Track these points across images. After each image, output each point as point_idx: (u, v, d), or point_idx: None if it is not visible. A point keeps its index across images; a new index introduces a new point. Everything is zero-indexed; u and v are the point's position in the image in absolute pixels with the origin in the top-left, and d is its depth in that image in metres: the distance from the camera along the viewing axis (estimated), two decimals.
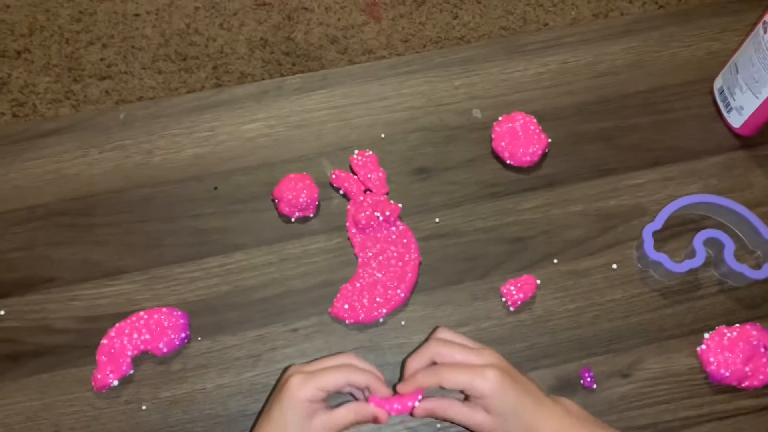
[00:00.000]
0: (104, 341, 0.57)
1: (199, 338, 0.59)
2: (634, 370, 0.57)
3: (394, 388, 0.50)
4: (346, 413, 0.48)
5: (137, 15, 1.56)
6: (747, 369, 0.55)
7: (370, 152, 0.66)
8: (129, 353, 0.57)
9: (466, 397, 0.50)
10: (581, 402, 0.52)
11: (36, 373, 0.57)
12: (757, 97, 0.63)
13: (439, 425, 0.55)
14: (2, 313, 0.59)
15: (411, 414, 0.50)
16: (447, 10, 1.58)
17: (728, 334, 0.57)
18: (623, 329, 0.59)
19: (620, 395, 0.56)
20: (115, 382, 0.56)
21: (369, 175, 0.64)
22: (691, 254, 0.60)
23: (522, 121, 0.66)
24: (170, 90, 1.47)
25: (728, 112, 0.67)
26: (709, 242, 0.60)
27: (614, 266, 0.61)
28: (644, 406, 0.56)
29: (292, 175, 0.63)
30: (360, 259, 0.61)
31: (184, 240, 0.63)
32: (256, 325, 0.59)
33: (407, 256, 0.61)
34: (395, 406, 0.49)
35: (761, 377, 0.55)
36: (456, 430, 0.54)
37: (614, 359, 0.58)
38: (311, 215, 0.64)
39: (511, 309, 0.60)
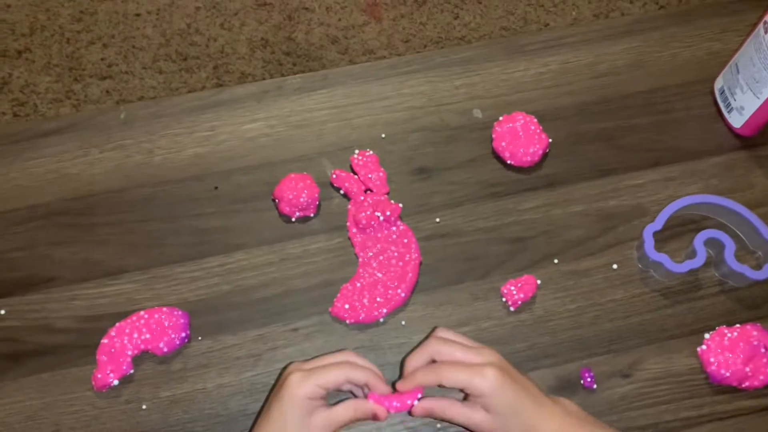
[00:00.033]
0: (105, 341, 0.57)
1: (200, 338, 0.59)
2: (635, 370, 0.57)
3: (394, 387, 0.50)
4: (345, 410, 0.48)
5: (138, 15, 1.56)
6: (747, 369, 0.55)
7: (371, 152, 0.66)
8: (129, 353, 0.57)
9: (466, 397, 0.50)
10: (582, 402, 0.52)
11: (36, 372, 0.57)
12: (758, 98, 0.63)
13: (439, 425, 0.55)
14: (3, 312, 0.60)
15: (410, 413, 0.50)
16: (448, 10, 1.58)
17: (729, 335, 0.57)
18: (624, 329, 0.59)
19: (621, 395, 0.56)
20: (116, 382, 0.56)
21: (369, 175, 0.64)
22: (692, 254, 0.60)
23: (523, 121, 0.66)
24: (171, 90, 1.47)
25: (729, 112, 0.67)
26: (710, 242, 0.60)
27: (615, 266, 0.61)
28: (645, 406, 0.56)
29: (292, 175, 0.63)
30: (360, 259, 0.61)
31: (184, 239, 0.63)
32: (257, 324, 0.59)
33: (408, 255, 0.61)
34: (394, 403, 0.49)
35: (762, 377, 0.55)
36: (456, 430, 0.54)
37: (615, 359, 0.58)
38: (312, 215, 0.64)
39: (512, 309, 0.60)
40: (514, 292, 0.59)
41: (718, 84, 0.69)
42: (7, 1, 1.56)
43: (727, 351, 0.56)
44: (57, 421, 0.56)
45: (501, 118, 0.67)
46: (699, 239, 0.59)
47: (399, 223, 0.62)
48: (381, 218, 0.61)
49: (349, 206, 0.64)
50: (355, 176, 0.65)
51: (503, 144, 0.65)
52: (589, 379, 0.56)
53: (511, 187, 0.65)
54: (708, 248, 0.60)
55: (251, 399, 0.56)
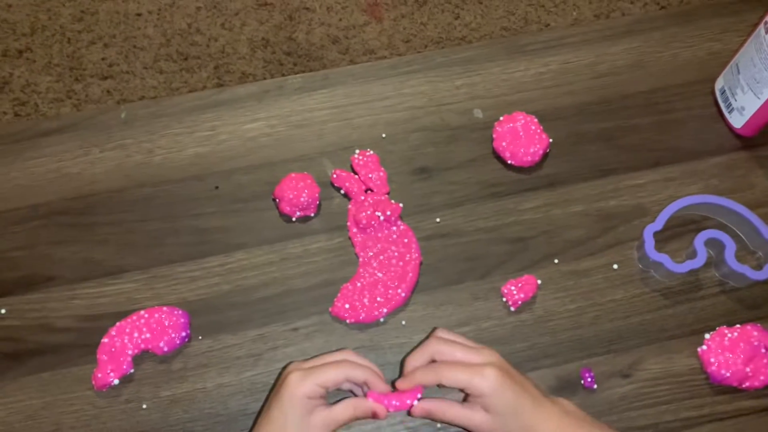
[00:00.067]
0: (105, 340, 0.57)
1: (200, 337, 0.59)
2: (635, 370, 0.57)
3: (393, 386, 0.50)
4: (345, 409, 0.49)
5: (139, 15, 1.56)
6: (748, 370, 0.55)
7: (371, 152, 0.66)
8: (130, 352, 0.57)
9: (465, 397, 0.50)
10: (582, 402, 0.52)
11: (37, 371, 0.57)
12: (759, 98, 0.63)
13: (439, 425, 0.55)
14: (3, 311, 0.60)
15: (409, 414, 0.50)
16: (448, 10, 1.58)
17: (729, 335, 0.57)
18: (624, 329, 0.59)
19: (621, 395, 0.56)
20: (116, 381, 0.56)
21: (370, 175, 0.64)
22: (692, 255, 0.60)
23: (523, 121, 0.66)
24: (172, 89, 1.47)
25: (729, 112, 0.67)
26: (710, 243, 0.60)
27: (615, 266, 0.61)
28: (645, 406, 0.56)
29: (293, 175, 0.64)
30: (361, 259, 0.61)
31: (185, 239, 0.63)
32: (257, 324, 0.59)
33: (408, 255, 0.61)
34: (394, 402, 0.49)
35: (762, 378, 0.55)
36: (456, 431, 0.54)
37: (615, 359, 0.58)
38: (312, 215, 0.64)
39: (512, 309, 0.60)
40: (515, 292, 0.59)
41: (719, 84, 0.69)
42: (8, 0, 1.56)
43: (727, 351, 0.56)
44: (57, 420, 0.56)
45: (501, 118, 0.67)
46: (699, 239, 0.59)
47: (399, 222, 0.62)
48: (381, 218, 0.61)
49: (350, 206, 0.64)
50: (356, 176, 0.65)
51: (504, 144, 0.65)
52: (589, 379, 0.56)
53: (512, 187, 0.65)
54: (708, 248, 0.60)
55: (251, 399, 0.56)
